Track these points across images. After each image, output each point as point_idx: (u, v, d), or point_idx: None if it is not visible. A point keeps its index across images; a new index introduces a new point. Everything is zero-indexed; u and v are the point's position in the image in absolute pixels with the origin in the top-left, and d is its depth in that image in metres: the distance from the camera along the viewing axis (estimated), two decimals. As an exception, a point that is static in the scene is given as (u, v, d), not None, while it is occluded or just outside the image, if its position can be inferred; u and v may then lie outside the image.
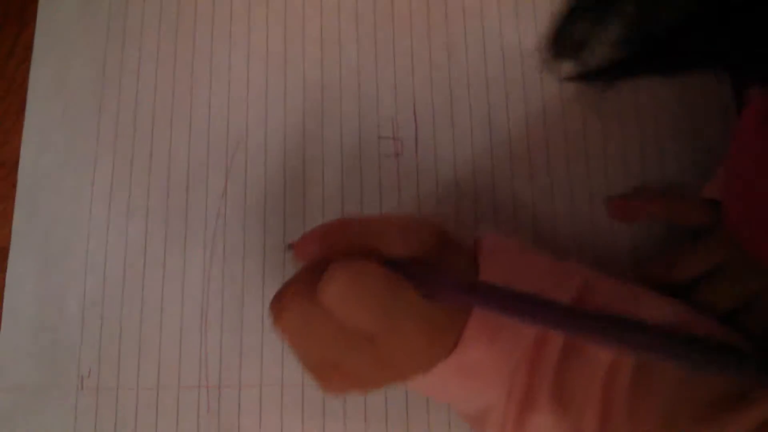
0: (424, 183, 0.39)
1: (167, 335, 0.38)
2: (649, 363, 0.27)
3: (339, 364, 0.28)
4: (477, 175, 0.39)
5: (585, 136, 0.40)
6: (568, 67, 0.20)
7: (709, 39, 0.17)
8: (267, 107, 0.41)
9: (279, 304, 0.29)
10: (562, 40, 0.20)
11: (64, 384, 0.37)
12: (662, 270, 0.35)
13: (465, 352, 0.28)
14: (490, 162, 0.39)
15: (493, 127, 0.40)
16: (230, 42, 0.42)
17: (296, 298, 0.28)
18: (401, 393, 0.37)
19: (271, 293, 0.29)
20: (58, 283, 0.39)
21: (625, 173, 0.39)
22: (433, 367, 0.29)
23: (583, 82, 0.21)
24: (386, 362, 0.28)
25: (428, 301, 0.27)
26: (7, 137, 0.42)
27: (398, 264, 0.27)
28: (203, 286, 0.38)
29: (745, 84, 0.36)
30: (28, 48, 0.43)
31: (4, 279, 0.39)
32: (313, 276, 0.27)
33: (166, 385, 0.37)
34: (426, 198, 0.39)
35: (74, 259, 0.39)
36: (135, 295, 0.38)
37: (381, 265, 0.27)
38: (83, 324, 0.38)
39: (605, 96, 0.39)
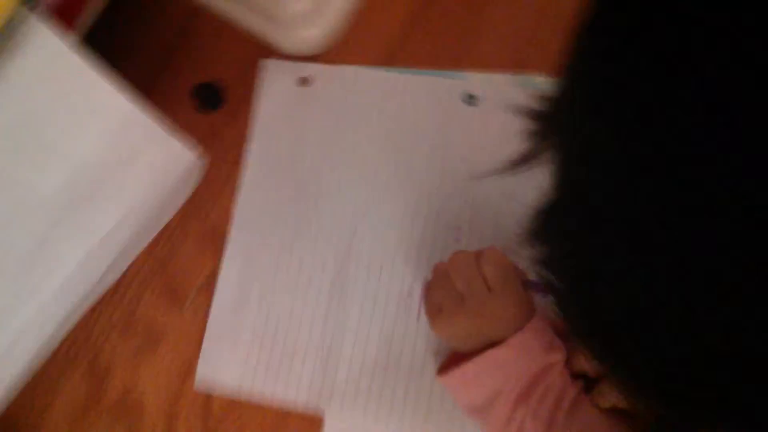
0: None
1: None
2: (582, 401, 0.45)
3: (460, 299, 0.47)
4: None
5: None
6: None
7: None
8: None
9: (451, 256, 0.50)
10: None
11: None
12: None
13: (510, 344, 0.45)
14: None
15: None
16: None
17: (463, 252, 0.49)
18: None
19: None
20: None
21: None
22: (501, 336, 0.46)
23: None
24: (486, 313, 0.46)
25: (524, 292, 0.47)
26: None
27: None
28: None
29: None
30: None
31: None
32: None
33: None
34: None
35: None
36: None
37: None
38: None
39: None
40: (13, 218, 0.36)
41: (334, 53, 0.65)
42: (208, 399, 0.60)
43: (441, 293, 0.50)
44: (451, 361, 0.53)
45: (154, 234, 0.40)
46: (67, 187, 0.36)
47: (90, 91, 0.36)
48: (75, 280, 0.38)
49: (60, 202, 0.36)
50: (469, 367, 0.48)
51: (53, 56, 0.36)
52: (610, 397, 0.45)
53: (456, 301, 0.48)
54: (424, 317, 0.57)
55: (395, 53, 0.65)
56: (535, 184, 0.23)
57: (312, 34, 0.62)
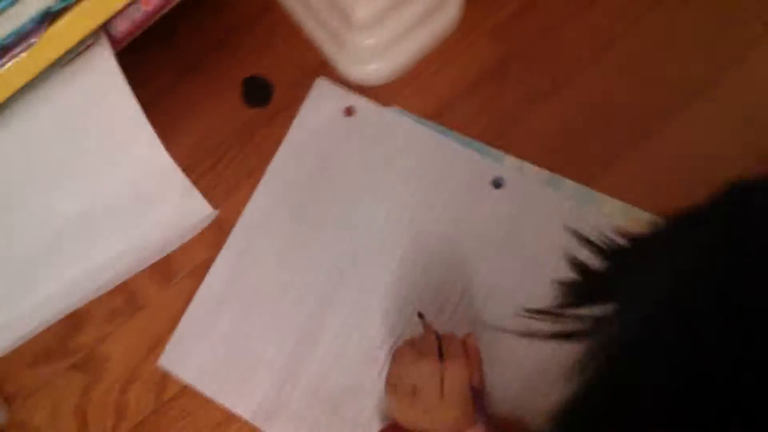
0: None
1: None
2: None
3: (413, 391, 0.51)
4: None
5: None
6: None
7: None
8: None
9: (414, 343, 0.54)
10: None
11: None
12: None
13: None
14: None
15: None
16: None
17: (430, 360, 0.51)
18: None
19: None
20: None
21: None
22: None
23: None
24: (431, 415, 0.50)
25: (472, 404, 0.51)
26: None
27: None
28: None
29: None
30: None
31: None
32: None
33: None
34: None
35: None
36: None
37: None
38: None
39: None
40: (27, 224, 0.38)
41: (386, 89, 0.65)
42: (165, 376, 0.62)
43: (401, 377, 0.53)
44: (393, 428, 0.55)
45: (152, 262, 0.42)
46: (82, 214, 0.38)
47: (134, 136, 0.37)
48: (66, 291, 0.40)
49: (72, 223, 0.38)
50: None
51: (112, 93, 0.37)
52: None
53: (410, 391, 0.51)
54: (383, 375, 0.58)
55: (444, 110, 0.66)
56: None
57: (373, 68, 0.62)
